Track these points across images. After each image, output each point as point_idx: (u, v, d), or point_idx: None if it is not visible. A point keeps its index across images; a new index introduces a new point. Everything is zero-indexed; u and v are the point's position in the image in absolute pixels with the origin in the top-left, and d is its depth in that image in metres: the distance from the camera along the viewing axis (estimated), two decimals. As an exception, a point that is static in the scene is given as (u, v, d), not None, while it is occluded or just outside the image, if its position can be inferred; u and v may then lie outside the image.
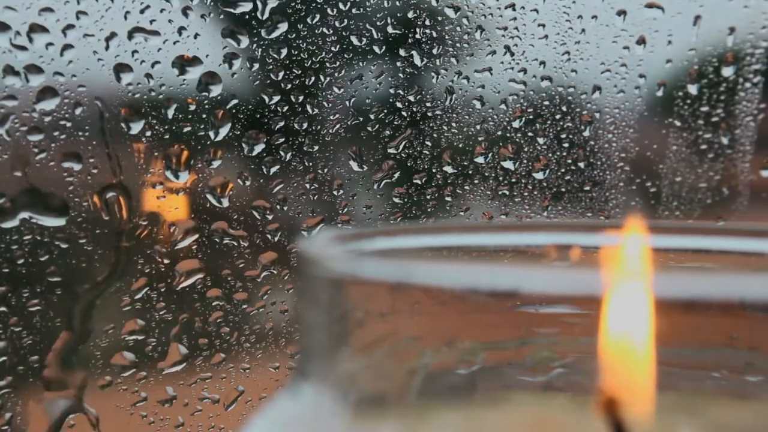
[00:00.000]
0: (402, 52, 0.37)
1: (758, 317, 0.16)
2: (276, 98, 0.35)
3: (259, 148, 0.35)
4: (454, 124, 0.38)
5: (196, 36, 0.33)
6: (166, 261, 0.34)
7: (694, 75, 0.40)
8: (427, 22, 0.37)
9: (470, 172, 0.39)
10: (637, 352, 0.16)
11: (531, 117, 0.39)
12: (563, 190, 0.40)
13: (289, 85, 0.35)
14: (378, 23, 0.36)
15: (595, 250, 0.22)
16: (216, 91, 0.34)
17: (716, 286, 0.15)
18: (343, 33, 0.36)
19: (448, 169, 0.38)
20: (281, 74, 0.35)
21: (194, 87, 0.33)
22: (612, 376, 0.16)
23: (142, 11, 0.32)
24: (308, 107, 0.36)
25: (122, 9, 0.31)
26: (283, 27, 0.34)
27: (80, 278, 0.32)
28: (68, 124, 0.31)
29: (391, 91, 0.37)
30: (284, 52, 0.35)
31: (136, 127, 0.33)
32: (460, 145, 0.38)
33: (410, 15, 0.37)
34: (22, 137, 0.30)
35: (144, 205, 0.33)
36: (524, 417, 0.17)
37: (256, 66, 0.34)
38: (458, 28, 0.37)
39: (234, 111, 0.34)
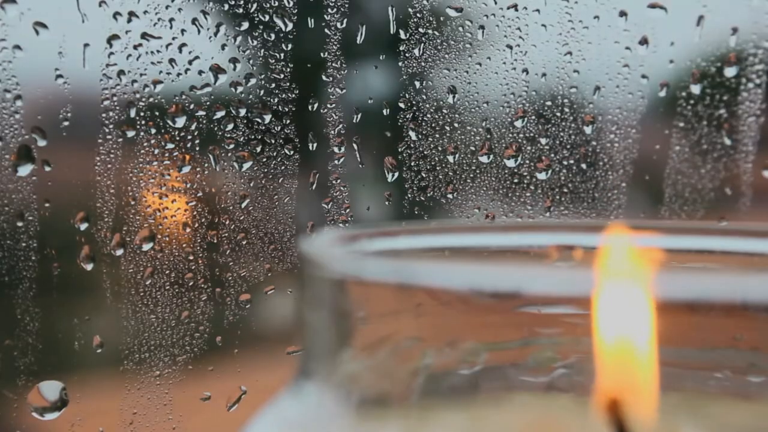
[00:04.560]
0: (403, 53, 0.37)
1: (761, 318, 0.16)
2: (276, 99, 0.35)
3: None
4: (456, 124, 0.38)
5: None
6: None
7: (697, 75, 0.40)
8: (429, 23, 0.37)
9: (473, 172, 0.39)
10: (639, 353, 0.16)
11: (533, 117, 0.39)
12: (565, 190, 0.40)
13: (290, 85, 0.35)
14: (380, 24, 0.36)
15: (597, 251, 0.21)
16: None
17: (719, 286, 0.15)
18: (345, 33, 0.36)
19: (450, 168, 0.38)
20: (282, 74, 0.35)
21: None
22: (614, 376, 0.16)
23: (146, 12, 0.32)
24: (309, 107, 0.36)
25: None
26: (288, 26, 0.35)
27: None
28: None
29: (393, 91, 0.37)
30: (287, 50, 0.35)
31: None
32: (463, 145, 0.38)
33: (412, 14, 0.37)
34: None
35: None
36: (526, 417, 0.17)
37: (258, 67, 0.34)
38: (460, 28, 0.37)
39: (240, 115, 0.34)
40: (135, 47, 0.32)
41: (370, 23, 0.36)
